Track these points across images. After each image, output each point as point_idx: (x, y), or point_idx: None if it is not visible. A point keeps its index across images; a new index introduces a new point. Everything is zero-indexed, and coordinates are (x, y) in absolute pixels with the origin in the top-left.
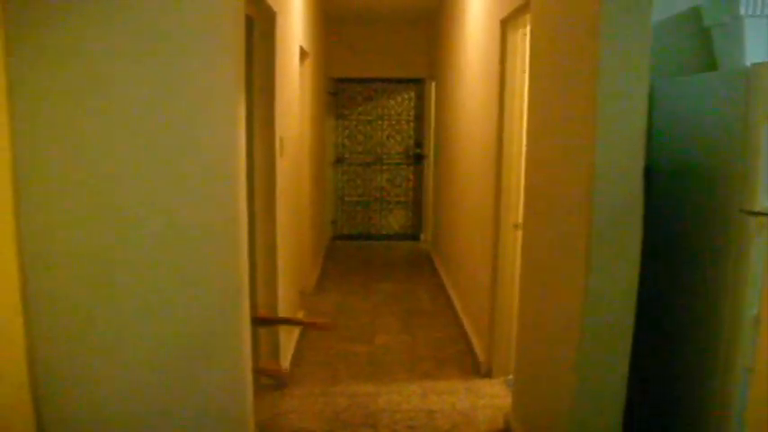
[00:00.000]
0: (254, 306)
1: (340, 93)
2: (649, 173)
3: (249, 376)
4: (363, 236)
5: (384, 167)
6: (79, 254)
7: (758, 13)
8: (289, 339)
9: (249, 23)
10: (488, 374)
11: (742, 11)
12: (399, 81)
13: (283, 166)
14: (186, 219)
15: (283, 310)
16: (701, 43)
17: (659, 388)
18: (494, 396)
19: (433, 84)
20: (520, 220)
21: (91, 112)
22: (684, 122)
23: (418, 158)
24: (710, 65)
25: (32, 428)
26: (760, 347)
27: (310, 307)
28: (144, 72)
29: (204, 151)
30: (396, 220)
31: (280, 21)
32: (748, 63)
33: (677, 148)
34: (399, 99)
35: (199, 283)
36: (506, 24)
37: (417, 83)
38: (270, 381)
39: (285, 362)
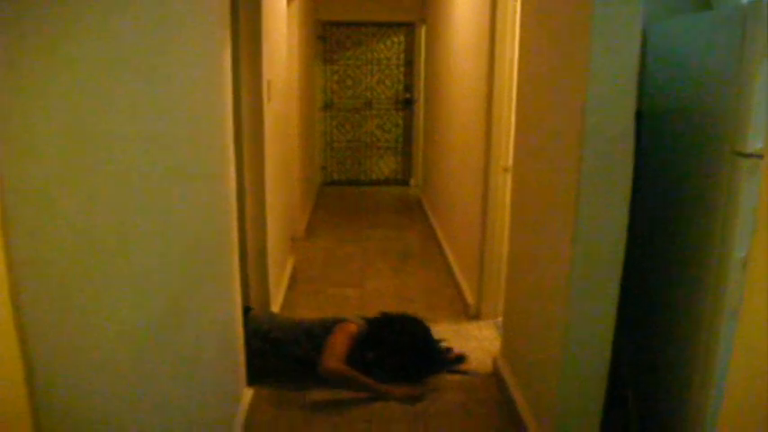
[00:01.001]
0: (243, 254)
1: (329, 37)
2: (641, 117)
3: (240, 314)
4: (353, 181)
5: (374, 113)
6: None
7: None
8: (278, 286)
9: None
10: (477, 317)
11: None
12: (389, 25)
13: (271, 111)
14: (167, 163)
15: (273, 256)
16: None
17: (647, 330)
18: (482, 339)
19: (424, 27)
20: (510, 163)
21: (69, 60)
22: (678, 64)
23: (408, 103)
24: (705, 5)
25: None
26: (747, 291)
27: (301, 252)
28: (121, 12)
29: (188, 94)
30: (386, 166)
31: None
32: (744, 1)
33: (670, 90)
34: (389, 43)
35: (186, 225)
36: None
37: (408, 27)
38: None
39: (275, 308)
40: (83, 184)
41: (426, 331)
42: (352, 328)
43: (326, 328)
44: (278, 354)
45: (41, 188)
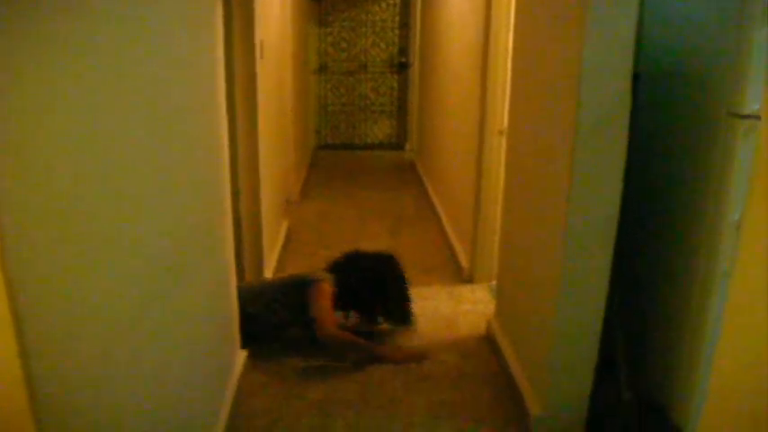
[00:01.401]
0: (237, 216)
1: None
2: (638, 78)
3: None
4: (347, 145)
5: (368, 76)
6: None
7: None
8: (272, 249)
9: None
10: (471, 280)
11: None
12: None
13: (264, 71)
14: (159, 127)
15: (267, 218)
16: None
17: (640, 294)
18: (476, 302)
19: None
20: (505, 125)
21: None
22: (676, 25)
23: (403, 66)
24: None
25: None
26: (740, 253)
27: (296, 214)
28: None
29: (175, 53)
30: (380, 130)
31: None
32: None
33: (668, 51)
34: (384, 5)
35: (179, 187)
36: None
37: None
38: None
39: (268, 272)
40: (74, 150)
41: (395, 270)
42: (327, 287)
43: (298, 289)
44: (257, 325)
45: (29, 153)
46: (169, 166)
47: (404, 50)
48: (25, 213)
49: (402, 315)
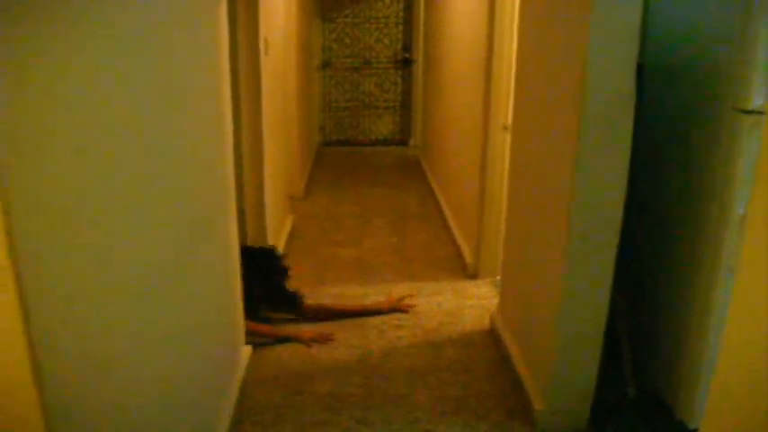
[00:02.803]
0: (241, 212)
1: None
2: (643, 72)
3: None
4: (352, 142)
5: (372, 72)
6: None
7: None
8: (276, 245)
9: None
10: (475, 276)
11: None
12: None
13: (268, 67)
14: (165, 121)
15: (271, 214)
16: None
17: (644, 289)
18: (480, 297)
19: None
20: (509, 121)
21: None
22: (681, 19)
23: (407, 62)
24: None
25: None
26: (745, 248)
27: (300, 211)
28: None
29: (179, 50)
30: (384, 126)
31: None
32: None
33: (672, 46)
34: (388, 1)
35: (186, 182)
36: None
37: None
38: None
39: None
40: (84, 141)
41: (272, 263)
42: None
43: None
44: None
45: (39, 143)
46: (173, 161)
47: (407, 46)
48: (33, 206)
49: (287, 303)
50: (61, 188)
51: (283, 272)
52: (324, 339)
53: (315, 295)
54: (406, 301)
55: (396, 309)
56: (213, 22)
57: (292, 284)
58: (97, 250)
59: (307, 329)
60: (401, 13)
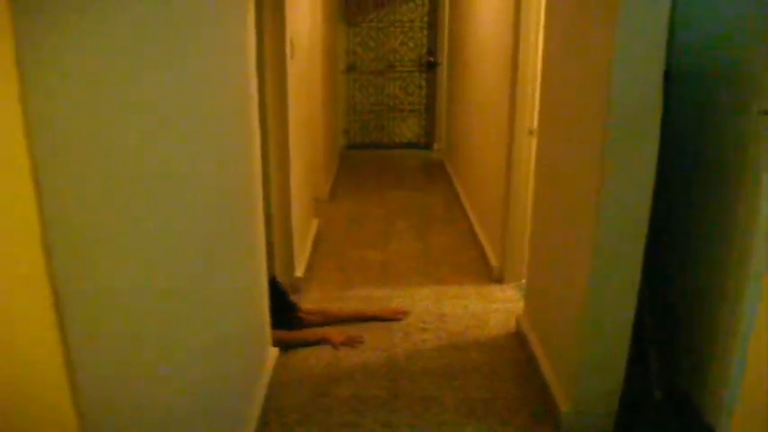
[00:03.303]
0: (268, 215)
1: None
2: (669, 76)
3: (265, 278)
4: (376, 145)
5: (396, 75)
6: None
7: None
8: (303, 247)
9: None
10: (501, 280)
11: None
12: None
13: (294, 69)
14: (194, 124)
15: (297, 217)
16: None
17: (672, 289)
18: (506, 301)
19: None
20: (535, 125)
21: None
22: (707, 24)
23: (431, 66)
24: None
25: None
26: None
27: (325, 214)
28: None
29: (208, 53)
30: (408, 129)
31: None
32: None
33: (698, 51)
34: (412, 5)
35: (214, 184)
36: None
37: None
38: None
39: (299, 270)
40: (116, 148)
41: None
42: None
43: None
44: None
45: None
46: (206, 162)
47: (432, 50)
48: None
49: (290, 323)
50: (95, 189)
51: (292, 308)
52: (353, 342)
53: (344, 298)
54: (400, 310)
55: (390, 318)
56: (241, 26)
57: (320, 289)
58: (131, 253)
59: (336, 333)
60: (426, 17)
